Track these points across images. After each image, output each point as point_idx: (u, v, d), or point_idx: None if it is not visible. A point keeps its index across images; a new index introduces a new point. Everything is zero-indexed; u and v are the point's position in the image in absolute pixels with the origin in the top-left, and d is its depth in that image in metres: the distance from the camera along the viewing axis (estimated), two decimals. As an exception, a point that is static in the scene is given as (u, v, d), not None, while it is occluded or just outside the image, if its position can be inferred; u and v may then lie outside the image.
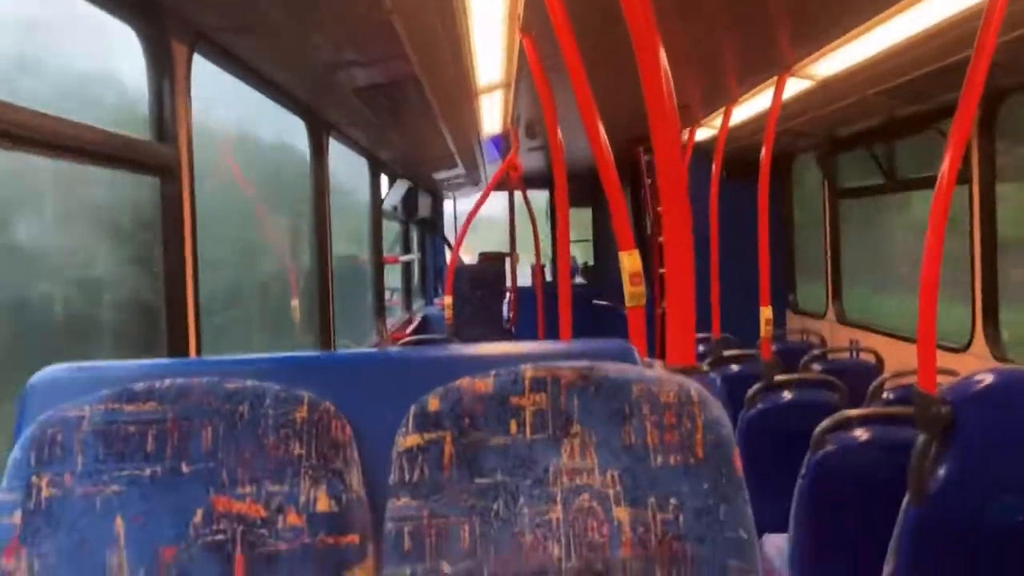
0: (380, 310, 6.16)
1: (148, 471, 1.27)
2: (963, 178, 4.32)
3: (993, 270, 4.28)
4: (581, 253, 11.49)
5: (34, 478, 1.25)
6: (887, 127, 5.20)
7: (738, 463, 1.31)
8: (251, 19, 2.39)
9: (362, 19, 2.50)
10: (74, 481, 1.25)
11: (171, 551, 1.24)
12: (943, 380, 2.66)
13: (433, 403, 1.32)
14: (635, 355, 1.44)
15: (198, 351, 2.36)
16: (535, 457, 1.30)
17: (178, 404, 1.31)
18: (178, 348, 2.28)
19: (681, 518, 1.26)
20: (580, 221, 11.07)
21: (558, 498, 1.28)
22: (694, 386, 1.34)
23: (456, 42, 3.02)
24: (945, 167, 2.51)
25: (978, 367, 3.24)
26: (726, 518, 1.26)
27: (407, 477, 1.29)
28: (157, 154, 2.25)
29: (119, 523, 1.24)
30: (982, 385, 2.51)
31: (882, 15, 3.03)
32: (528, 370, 1.34)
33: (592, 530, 1.26)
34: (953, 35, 3.06)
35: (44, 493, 1.24)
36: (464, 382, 1.33)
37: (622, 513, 1.27)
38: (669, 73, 1.58)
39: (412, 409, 1.32)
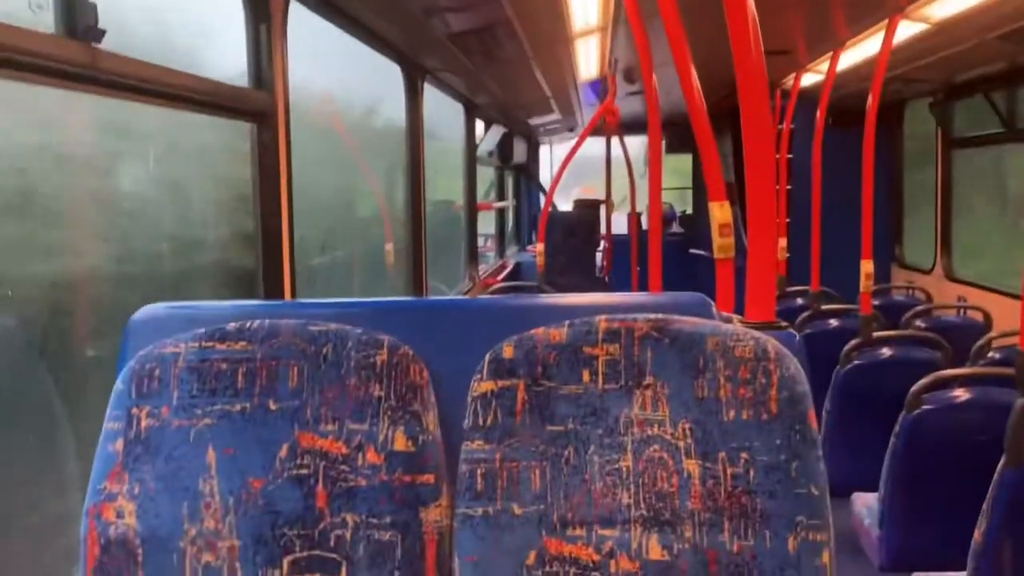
0: (473, 256, 6.23)
1: (238, 407, 1.34)
2: None
3: None
4: (680, 201, 11.29)
5: (134, 409, 1.33)
6: (1008, 73, 4.89)
7: (813, 420, 1.29)
8: None
9: None
10: (170, 413, 1.33)
11: (259, 482, 1.31)
12: None
13: (508, 351, 1.34)
14: (712, 309, 1.43)
15: (293, 293, 2.45)
16: (607, 407, 1.31)
17: (266, 344, 1.37)
18: (273, 290, 2.37)
19: (752, 472, 1.26)
20: (681, 168, 10.86)
21: (628, 448, 1.29)
22: (771, 342, 1.32)
23: None
24: None
25: None
26: (797, 474, 1.25)
27: (481, 421, 1.32)
28: (254, 101, 2.32)
29: (211, 454, 1.32)
30: None
31: None
32: (602, 321, 1.34)
33: (662, 480, 1.27)
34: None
35: (143, 424, 1.33)
36: (539, 331, 1.35)
37: (692, 465, 1.27)
38: (757, 18, 1.53)
39: (487, 356, 1.35)
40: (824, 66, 5.10)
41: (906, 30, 3.98)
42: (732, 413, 1.29)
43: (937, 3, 3.60)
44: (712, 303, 1.44)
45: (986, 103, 5.23)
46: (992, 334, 3.72)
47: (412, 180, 4.25)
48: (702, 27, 3.02)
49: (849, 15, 4.15)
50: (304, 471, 1.32)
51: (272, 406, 1.34)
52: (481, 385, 1.33)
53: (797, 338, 1.45)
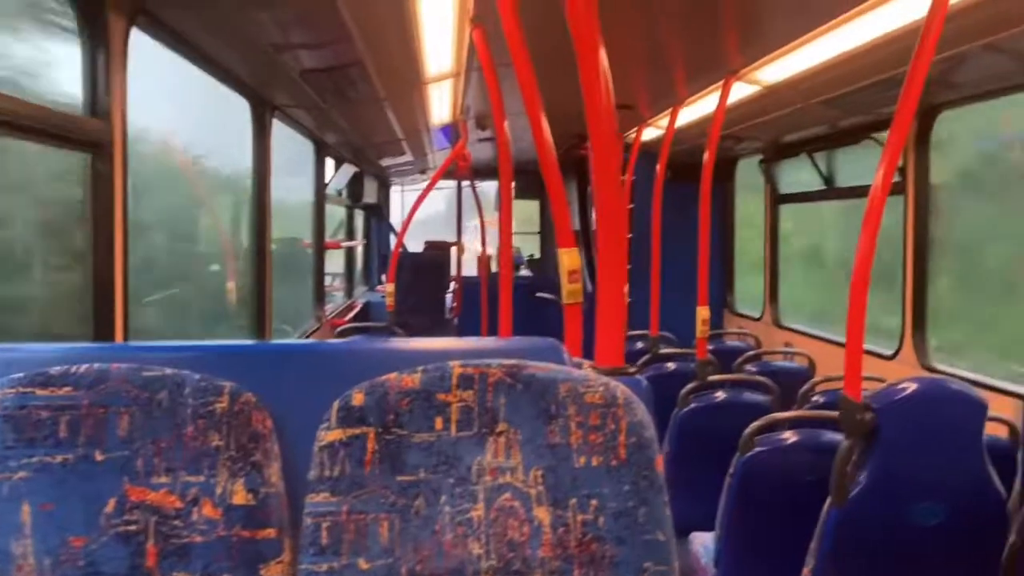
0: (320, 295, 6.09)
1: (59, 458, 1.23)
2: (899, 190, 4.43)
3: (923, 280, 4.40)
4: (529, 245, 11.52)
5: None
6: (828, 136, 5.30)
7: (660, 466, 1.32)
8: None
9: (308, 0, 2.46)
10: None
11: (80, 541, 1.21)
12: (870, 386, 2.73)
13: (358, 398, 1.30)
14: (563, 354, 1.45)
15: (125, 335, 2.30)
16: (459, 454, 1.29)
17: (94, 390, 1.27)
18: (104, 331, 2.22)
19: (601, 519, 1.27)
20: (530, 213, 11.09)
21: (480, 496, 1.28)
22: (620, 387, 1.34)
23: (404, 29, 2.99)
24: (879, 177, 2.57)
25: (906, 375, 3.33)
26: (645, 520, 1.27)
27: (327, 472, 1.27)
28: (89, 130, 2.19)
29: (26, 510, 1.21)
30: (905, 393, 2.59)
31: (824, 27, 3.08)
32: (456, 367, 1.33)
33: (512, 529, 1.26)
34: (891, 50, 3.12)
35: None
36: (391, 377, 1.32)
37: (543, 513, 1.27)
38: (608, 73, 1.58)
39: (336, 404, 1.30)
40: (664, 121, 5.36)
41: (739, 91, 4.24)
42: (583, 459, 1.30)
43: (767, 68, 3.86)
44: (563, 348, 1.46)
45: (809, 162, 5.64)
46: (816, 379, 3.97)
47: (257, 217, 4.12)
48: (552, 78, 3.11)
49: (688, 75, 4.39)
50: (132, 527, 1.22)
51: (98, 457, 1.24)
52: (328, 434, 1.29)
53: (644, 384, 1.49)
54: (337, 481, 1.26)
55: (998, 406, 3.29)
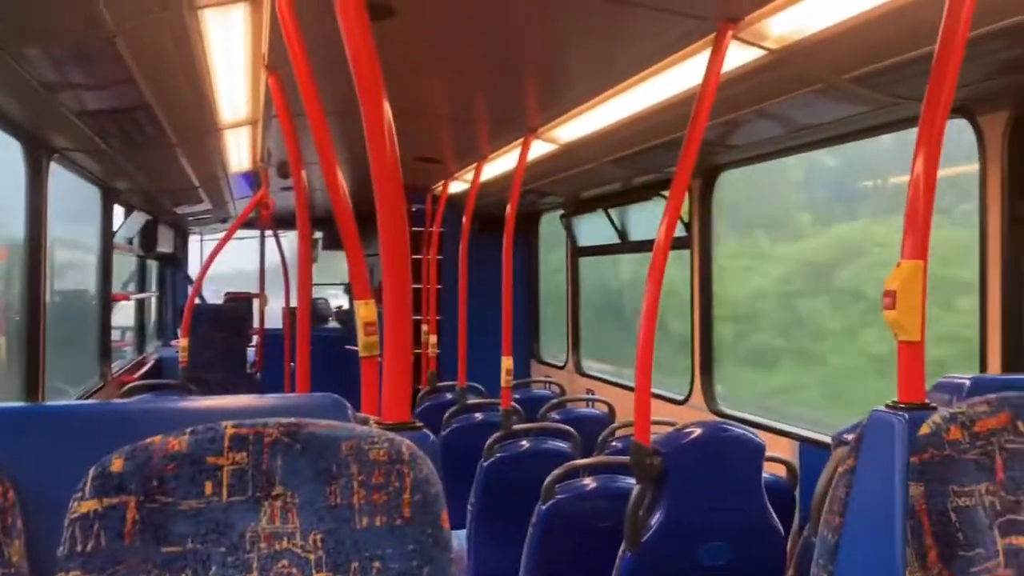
0: (105, 351, 5.67)
1: None
2: (685, 244, 4.72)
3: (709, 330, 4.68)
4: (337, 297, 11.31)
5: None
6: (622, 192, 5.59)
7: (446, 522, 1.29)
8: None
9: (82, 38, 2.31)
10: None
11: None
12: (664, 430, 2.85)
13: (117, 464, 1.19)
14: (347, 410, 1.40)
15: None
16: (231, 521, 1.21)
17: None
18: None
19: None
20: (339, 264, 10.91)
21: (255, 565, 1.20)
22: (406, 443, 1.31)
23: (194, 73, 2.87)
24: (661, 232, 2.72)
25: (696, 418, 3.51)
26: None
27: (80, 548, 1.15)
28: None
29: None
30: (690, 437, 2.72)
31: (615, 89, 3.25)
32: (229, 427, 1.25)
33: None
34: (675, 113, 3.34)
35: None
36: (156, 440, 1.22)
37: None
38: (393, 127, 1.58)
39: (91, 471, 1.19)
40: (470, 175, 5.45)
41: (539, 148, 4.39)
42: (365, 520, 1.25)
43: (563, 128, 4.02)
44: (347, 404, 1.41)
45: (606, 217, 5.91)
46: (614, 424, 4.10)
47: (31, 268, 3.78)
48: (351, 129, 3.08)
49: (491, 132, 4.50)
50: None
51: None
52: (81, 505, 1.17)
53: (432, 438, 1.47)
54: (91, 557, 1.14)
55: (777, 447, 3.54)
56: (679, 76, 3.00)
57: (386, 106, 1.56)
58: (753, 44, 2.59)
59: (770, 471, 3.06)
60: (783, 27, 2.46)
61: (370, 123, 1.55)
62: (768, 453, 2.89)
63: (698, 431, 2.73)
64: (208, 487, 1.21)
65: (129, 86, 2.80)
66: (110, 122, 3.39)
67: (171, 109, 3.29)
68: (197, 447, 1.22)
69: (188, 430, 1.23)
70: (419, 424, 1.51)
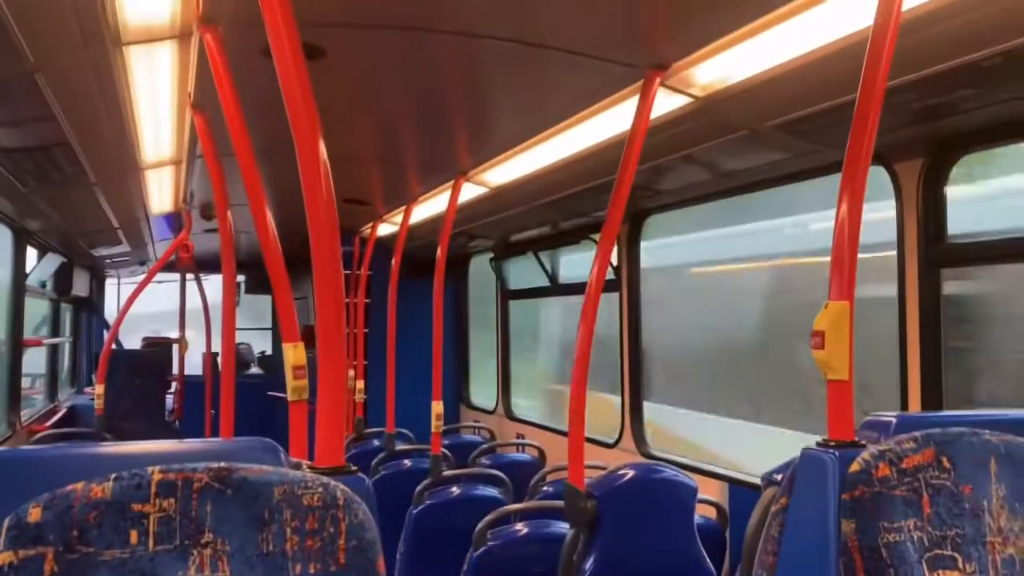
0: (14, 399, 5.41)
1: None
2: (614, 287, 4.77)
3: (638, 373, 4.72)
4: (261, 342, 11.06)
5: None
6: (552, 236, 5.64)
7: (382, 568, 1.26)
8: None
9: (1, 72, 2.24)
10: None
11: None
12: (594, 474, 2.85)
13: (34, 513, 1.13)
14: (280, 455, 1.35)
15: None
16: (157, 572, 1.15)
17: None
18: None
19: None
20: (264, 310, 10.69)
21: None
22: (340, 488, 1.27)
23: (117, 111, 2.80)
24: (593, 275, 2.74)
25: (625, 461, 3.52)
26: None
27: None
28: None
29: None
30: (623, 479, 2.72)
31: (546, 132, 3.30)
32: (156, 472, 1.19)
33: None
34: (605, 158, 3.40)
35: None
36: (78, 487, 1.16)
37: None
38: (328, 167, 1.56)
39: (6, 522, 1.12)
40: (399, 218, 5.43)
41: (469, 191, 4.40)
42: (299, 567, 1.21)
43: (493, 171, 4.05)
44: (281, 449, 1.37)
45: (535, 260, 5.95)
46: (546, 469, 4.08)
47: None
48: (280, 170, 3.04)
49: (420, 174, 4.50)
50: None
51: None
52: None
53: (366, 482, 1.43)
54: None
55: (708, 489, 3.56)
56: (607, 121, 3.06)
57: (321, 147, 1.54)
58: (680, 91, 2.66)
59: (700, 513, 3.08)
60: (709, 75, 2.53)
61: (305, 164, 1.53)
62: (700, 495, 2.92)
63: (631, 473, 2.74)
64: (133, 536, 1.15)
65: (48, 123, 2.72)
66: (26, 160, 3.27)
67: (91, 147, 3.20)
68: (122, 494, 1.16)
69: (112, 476, 1.17)
70: (354, 468, 1.47)
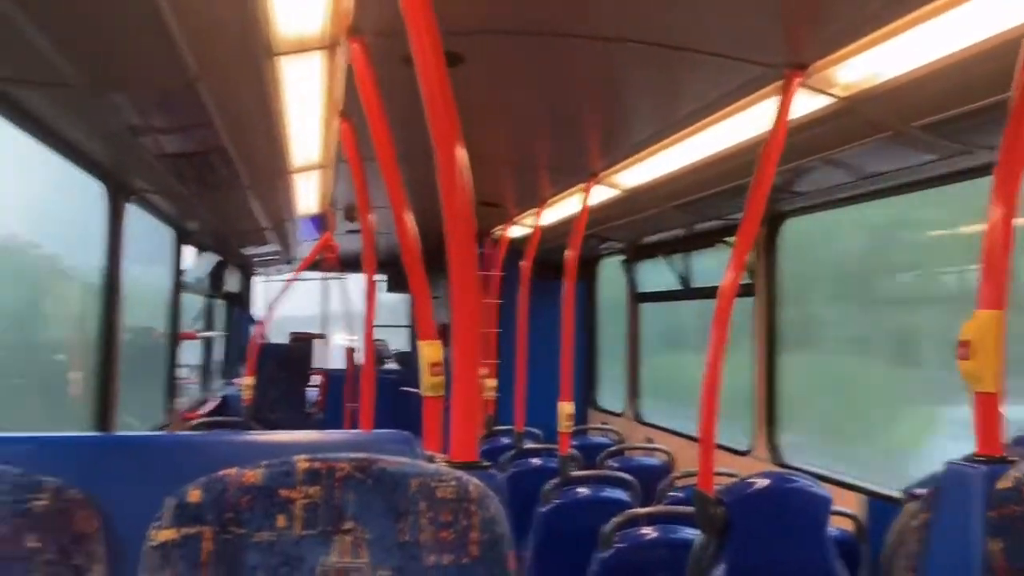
0: (172, 388, 5.79)
1: None
2: (750, 292, 4.66)
3: (773, 379, 4.60)
4: (398, 339, 11.40)
5: None
6: (684, 238, 5.56)
7: (512, 562, 1.29)
8: (41, 70, 2.24)
9: (166, 83, 2.41)
10: None
11: None
12: (724, 482, 2.80)
13: (194, 494, 1.22)
14: (416, 447, 1.41)
15: None
16: (302, 554, 1.22)
17: None
18: None
19: None
20: (399, 307, 11.02)
21: None
22: (473, 482, 1.32)
23: (269, 118, 2.97)
24: (727, 280, 2.70)
25: (759, 470, 3.44)
26: None
27: (158, 575, 1.17)
28: None
29: None
30: (755, 488, 2.67)
31: (680, 134, 3.27)
32: (302, 461, 1.27)
33: None
34: (740, 161, 3.34)
35: None
36: (231, 472, 1.25)
37: None
38: (468, 171, 1.61)
39: (169, 501, 1.22)
40: (531, 220, 5.49)
41: (601, 194, 4.41)
42: (433, 558, 1.25)
43: (626, 173, 4.04)
44: (417, 441, 1.43)
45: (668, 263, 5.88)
46: (675, 474, 4.04)
47: (106, 305, 3.91)
48: (420, 173, 3.15)
49: (552, 176, 4.54)
50: None
51: None
52: (160, 533, 1.19)
53: (499, 478, 1.47)
54: None
55: (844, 501, 3.44)
56: (744, 123, 3.00)
57: (461, 151, 1.59)
58: (821, 91, 2.59)
59: (837, 525, 2.97)
60: (852, 75, 2.45)
61: (444, 169, 1.58)
62: (834, 507, 2.82)
63: (763, 482, 2.68)
64: (281, 520, 1.23)
65: (207, 130, 2.91)
66: (187, 165, 3.51)
67: (245, 152, 3.40)
68: (271, 480, 1.24)
69: (262, 463, 1.26)
70: (486, 464, 1.51)
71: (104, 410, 3.88)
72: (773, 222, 4.54)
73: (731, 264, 2.70)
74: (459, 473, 1.32)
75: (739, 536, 2.58)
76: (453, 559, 1.25)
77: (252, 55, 2.35)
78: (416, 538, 1.25)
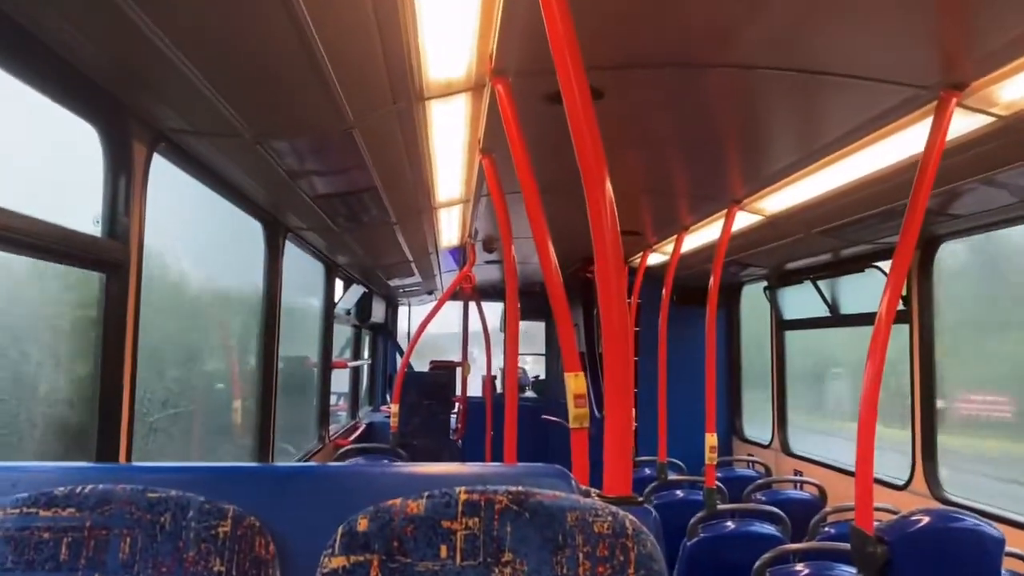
0: (324, 416, 6.05)
1: None
2: (904, 318, 4.45)
3: (931, 410, 4.36)
4: (533, 367, 11.48)
5: None
6: (831, 264, 5.37)
7: None
8: (213, 123, 2.43)
9: (324, 129, 2.56)
10: None
11: None
12: (882, 517, 2.68)
13: (362, 523, 1.29)
14: (571, 481, 1.43)
15: (129, 455, 2.28)
16: None
17: (97, 511, 1.26)
18: (107, 450, 2.20)
19: None
20: (534, 335, 11.12)
21: None
22: (629, 518, 1.32)
23: (416, 158, 3.09)
24: (884, 306, 2.59)
25: (917, 505, 3.27)
26: None
27: None
28: (106, 250, 2.24)
29: None
30: (918, 525, 2.53)
31: (826, 159, 3.18)
32: (462, 493, 1.32)
33: None
34: (890, 184, 3.21)
35: None
36: (396, 502, 1.31)
37: None
38: (614, 202, 1.63)
39: (340, 529, 1.29)
40: (670, 247, 5.44)
41: (743, 220, 4.33)
42: None
43: (768, 199, 3.95)
44: (571, 476, 1.44)
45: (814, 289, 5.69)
46: (827, 509, 3.88)
47: (266, 337, 4.15)
48: (557, 203, 3.19)
49: (692, 204, 4.49)
50: None
51: None
52: (332, 561, 1.26)
53: (653, 515, 1.47)
54: None
55: (1017, 542, 3.21)
56: (895, 145, 2.90)
57: (607, 183, 1.61)
58: (980, 111, 2.47)
59: (1010, 567, 2.78)
60: (1014, 92, 2.32)
61: (592, 200, 1.61)
62: (1009, 548, 2.64)
63: (926, 519, 2.55)
64: (443, 550, 1.27)
65: (360, 171, 3.06)
66: (340, 204, 3.70)
67: (394, 191, 3.54)
68: (433, 511, 1.29)
69: (425, 494, 1.31)
70: (640, 499, 1.51)
71: (264, 438, 4.10)
72: (928, 245, 4.33)
73: (887, 291, 2.59)
74: (614, 508, 1.33)
75: None
76: None
77: (403, 100, 2.46)
78: (574, 571, 1.27)
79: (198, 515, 1.28)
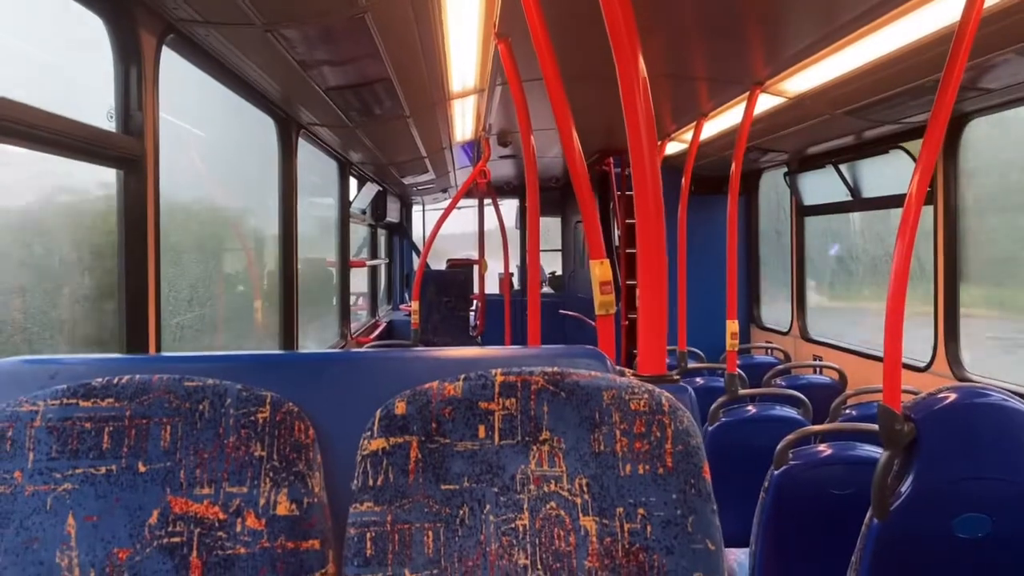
0: (345, 313, 6.10)
1: (103, 469, 1.23)
2: (927, 200, 4.38)
3: (954, 291, 4.34)
4: (548, 263, 11.51)
5: None
6: (854, 146, 5.27)
7: (707, 474, 1.29)
8: (222, 10, 2.35)
9: (336, 15, 2.48)
10: (24, 478, 1.21)
11: (125, 552, 1.20)
12: (905, 399, 2.69)
13: (400, 406, 1.29)
14: (607, 362, 1.43)
15: (157, 348, 2.30)
16: (503, 463, 1.27)
17: (136, 401, 1.27)
18: (136, 345, 2.22)
19: (648, 528, 1.24)
20: (548, 231, 11.09)
21: (525, 506, 1.26)
22: (665, 395, 1.32)
23: (430, 44, 3.00)
24: (913, 187, 2.53)
25: (940, 386, 3.28)
26: (694, 529, 1.25)
27: (371, 482, 1.26)
28: (122, 146, 2.20)
29: (71, 522, 1.20)
30: (945, 403, 2.54)
31: (852, 35, 3.06)
32: (499, 374, 1.31)
33: (559, 539, 1.24)
34: (919, 59, 3.10)
35: None
36: (433, 385, 1.31)
37: (589, 522, 1.25)
38: (648, 84, 1.57)
39: (378, 412, 1.29)
40: (688, 135, 5.34)
41: (764, 103, 4.22)
42: (628, 468, 1.27)
43: (793, 79, 3.84)
44: (607, 357, 1.44)
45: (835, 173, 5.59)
46: (848, 392, 3.92)
47: (284, 235, 4.14)
48: (575, 93, 3.10)
49: (712, 88, 4.37)
50: (176, 539, 1.21)
51: (141, 468, 1.24)
52: (371, 443, 1.27)
53: (689, 391, 1.47)
54: (380, 491, 1.25)
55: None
56: (924, 18, 2.78)
57: (641, 65, 1.55)
58: None
59: None
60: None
61: (625, 83, 1.55)
62: None
63: (953, 395, 2.55)
64: (481, 430, 1.28)
65: (373, 61, 2.97)
66: (353, 97, 3.62)
67: (408, 81, 3.46)
68: (470, 393, 1.29)
69: (461, 376, 1.31)
70: (676, 376, 1.51)
71: (288, 334, 4.14)
72: (952, 123, 4.22)
73: (917, 171, 2.53)
74: (650, 386, 1.33)
75: (928, 452, 2.47)
76: (648, 469, 1.27)
77: (416, -20, 2.37)
78: (612, 448, 1.28)
79: (236, 402, 1.29)
